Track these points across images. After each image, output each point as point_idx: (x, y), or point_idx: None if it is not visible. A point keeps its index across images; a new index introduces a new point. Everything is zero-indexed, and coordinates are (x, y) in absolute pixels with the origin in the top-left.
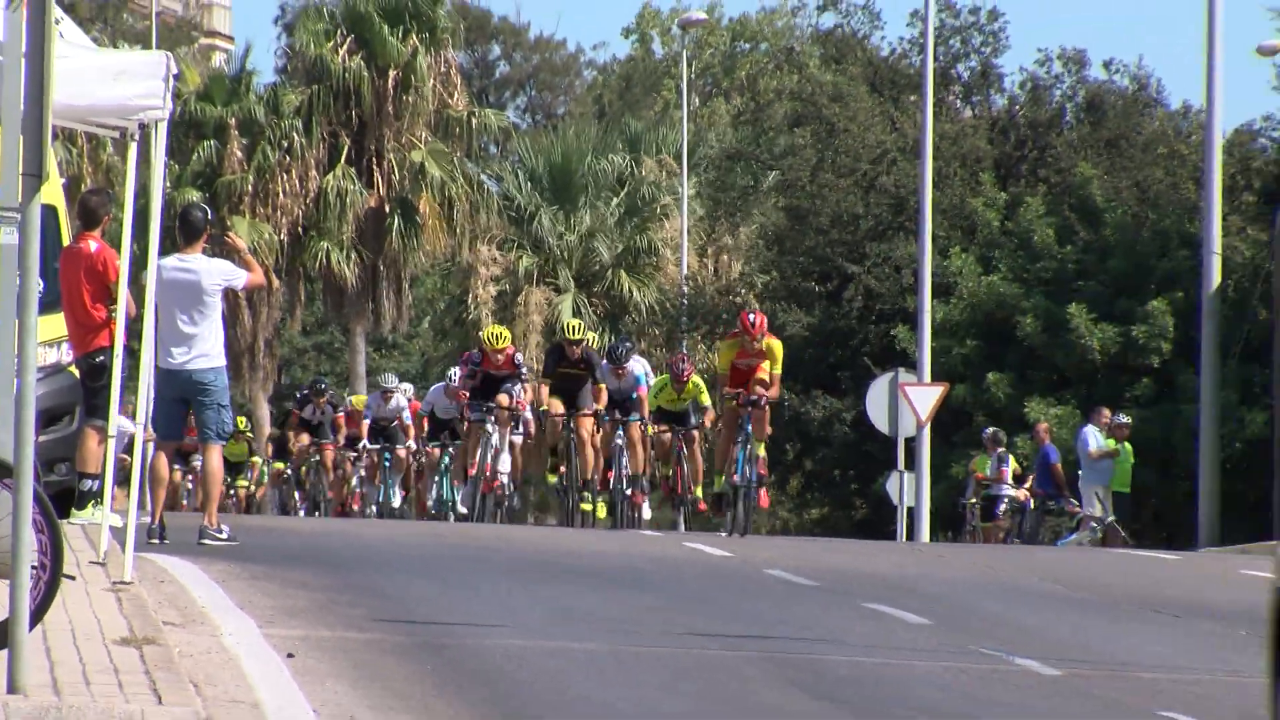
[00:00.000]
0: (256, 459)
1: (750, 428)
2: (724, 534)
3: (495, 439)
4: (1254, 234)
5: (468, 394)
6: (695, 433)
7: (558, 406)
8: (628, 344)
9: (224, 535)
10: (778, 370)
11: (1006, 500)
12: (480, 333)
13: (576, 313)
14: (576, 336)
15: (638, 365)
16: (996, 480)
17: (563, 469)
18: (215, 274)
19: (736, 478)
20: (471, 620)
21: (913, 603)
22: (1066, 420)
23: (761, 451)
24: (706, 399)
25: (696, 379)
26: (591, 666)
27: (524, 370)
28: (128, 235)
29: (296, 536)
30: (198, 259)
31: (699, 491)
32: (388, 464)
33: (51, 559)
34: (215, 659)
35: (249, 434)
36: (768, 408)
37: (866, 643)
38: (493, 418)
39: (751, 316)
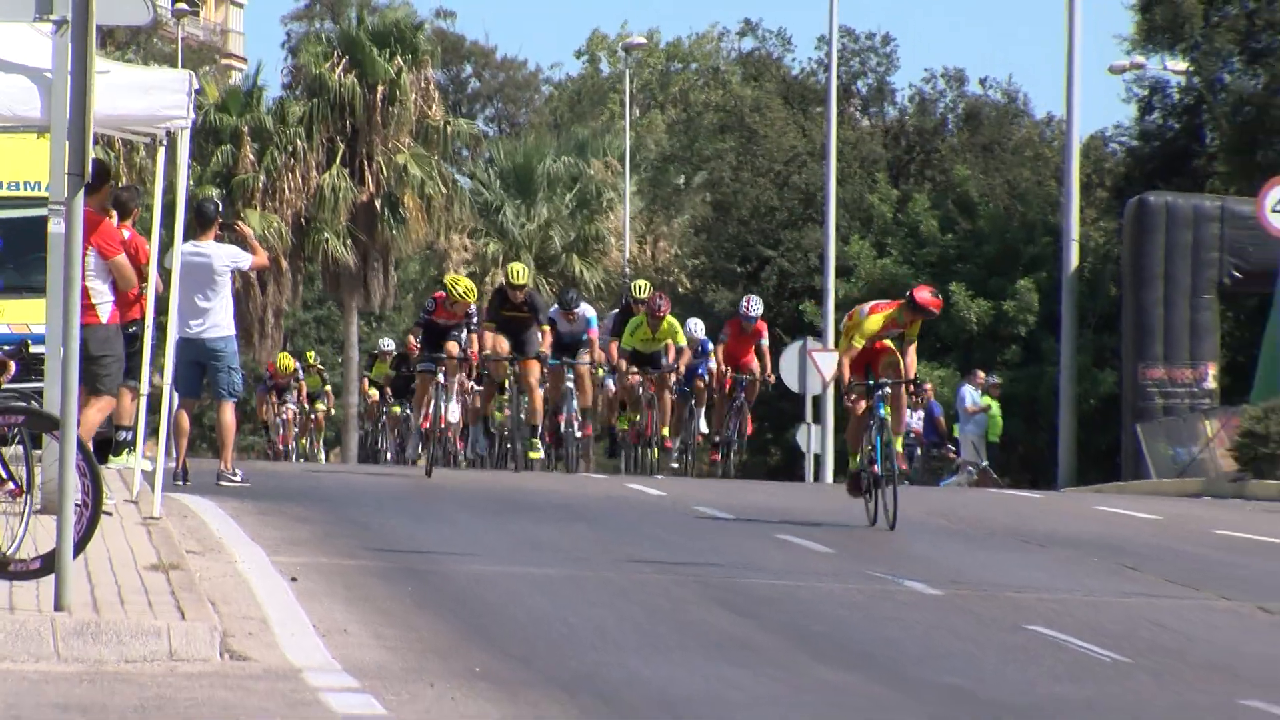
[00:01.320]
0: (329, 389)
1: (884, 413)
2: (869, 524)
3: (443, 387)
4: (1106, 224)
5: (418, 346)
6: (668, 376)
7: (503, 347)
8: (573, 292)
9: (238, 478)
10: (913, 336)
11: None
12: (445, 279)
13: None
14: (520, 281)
15: (587, 309)
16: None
17: (508, 410)
18: (224, 257)
19: (877, 468)
20: (444, 549)
21: (818, 534)
22: (948, 380)
23: (899, 445)
24: (682, 339)
25: (672, 320)
26: (548, 588)
27: (475, 320)
28: (157, 224)
29: (298, 479)
30: (209, 245)
31: (665, 431)
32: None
33: (93, 498)
34: (230, 582)
35: (319, 366)
36: (903, 391)
37: (780, 568)
38: (442, 368)
39: (924, 293)
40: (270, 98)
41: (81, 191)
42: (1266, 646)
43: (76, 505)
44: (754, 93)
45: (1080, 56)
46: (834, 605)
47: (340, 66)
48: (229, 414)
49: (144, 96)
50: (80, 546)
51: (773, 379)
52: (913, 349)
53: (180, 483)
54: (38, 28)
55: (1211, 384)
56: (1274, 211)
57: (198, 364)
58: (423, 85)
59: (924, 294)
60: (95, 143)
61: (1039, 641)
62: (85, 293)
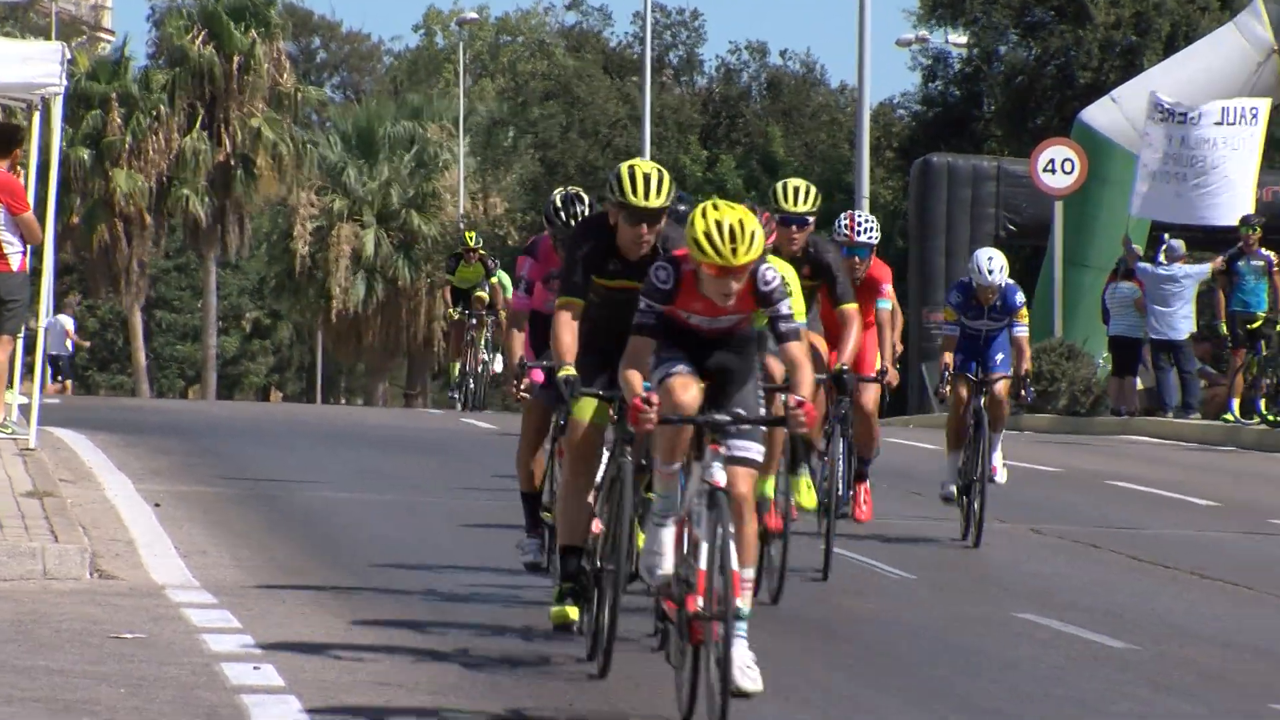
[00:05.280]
0: (495, 280)
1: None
2: None
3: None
4: (894, 183)
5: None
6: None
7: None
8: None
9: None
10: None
11: None
12: (689, 230)
13: (377, 244)
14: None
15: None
16: None
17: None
18: None
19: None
20: (294, 477)
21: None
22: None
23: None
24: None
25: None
26: (389, 513)
27: (784, 311)
28: (33, 183)
29: (159, 414)
30: None
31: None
32: None
33: None
34: (99, 508)
35: (481, 250)
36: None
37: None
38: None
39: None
40: (136, 67)
41: None
42: (1038, 564)
43: None
44: (577, 63)
45: (870, 30)
46: None
47: (200, 39)
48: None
49: (21, 66)
50: None
51: (894, 377)
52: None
53: None
54: None
55: None
56: (1045, 171)
57: None
58: (275, 56)
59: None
60: None
61: (833, 559)
62: None
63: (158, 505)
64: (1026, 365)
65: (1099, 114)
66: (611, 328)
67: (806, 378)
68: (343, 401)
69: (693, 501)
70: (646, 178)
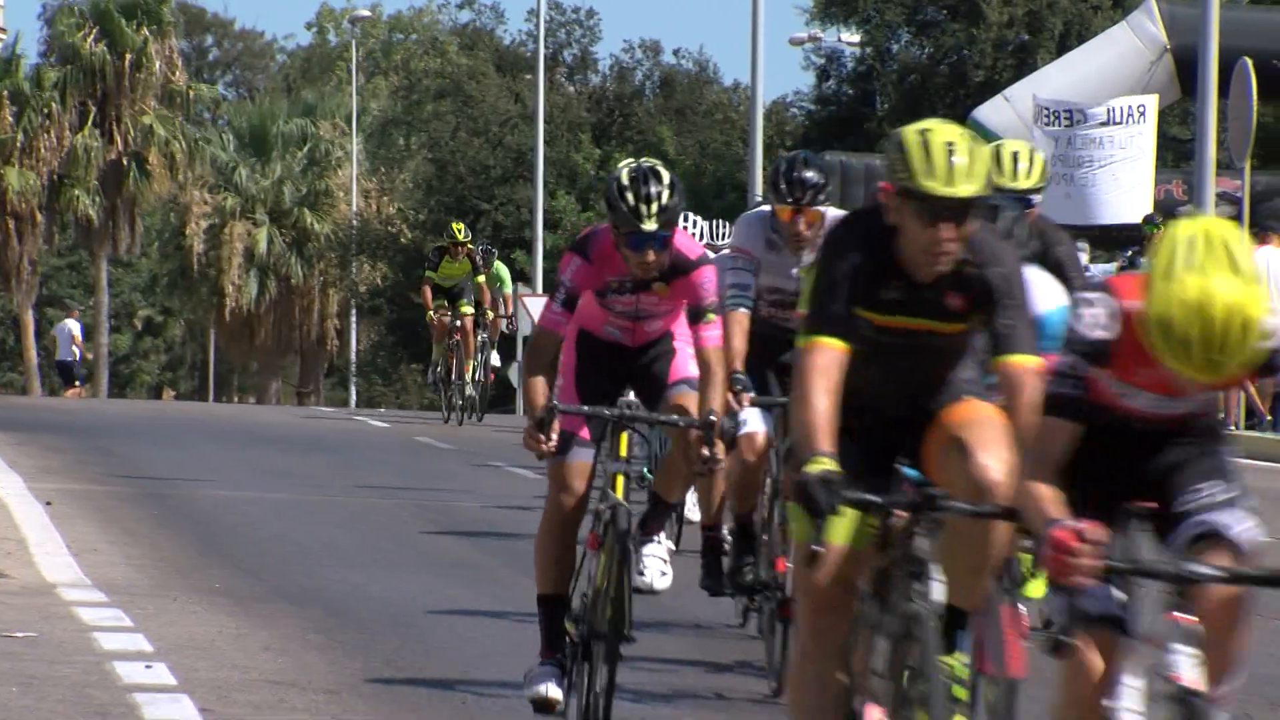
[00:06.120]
0: (482, 279)
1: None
2: None
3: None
4: None
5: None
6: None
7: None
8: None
9: None
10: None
11: None
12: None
13: (270, 242)
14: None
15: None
16: None
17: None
18: None
19: None
20: (187, 475)
21: (532, 461)
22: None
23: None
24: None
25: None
26: (283, 512)
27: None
28: None
29: (51, 413)
30: None
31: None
32: None
33: None
34: None
35: (469, 244)
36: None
37: (493, 493)
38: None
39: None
40: (28, 65)
41: None
42: None
43: None
44: (470, 61)
45: (764, 29)
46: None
47: (92, 36)
48: None
49: None
50: None
51: None
52: None
53: None
54: None
55: None
56: None
57: None
58: (167, 53)
59: None
60: None
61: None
62: None
63: (49, 503)
64: None
65: (992, 113)
66: (887, 391)
67: None
68: (235, 400)
69: (1136, 712)
70: (950, 149)
